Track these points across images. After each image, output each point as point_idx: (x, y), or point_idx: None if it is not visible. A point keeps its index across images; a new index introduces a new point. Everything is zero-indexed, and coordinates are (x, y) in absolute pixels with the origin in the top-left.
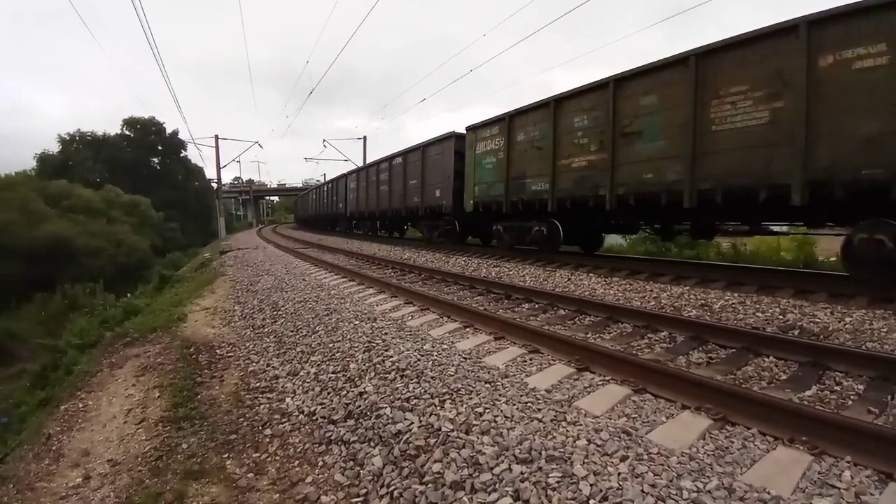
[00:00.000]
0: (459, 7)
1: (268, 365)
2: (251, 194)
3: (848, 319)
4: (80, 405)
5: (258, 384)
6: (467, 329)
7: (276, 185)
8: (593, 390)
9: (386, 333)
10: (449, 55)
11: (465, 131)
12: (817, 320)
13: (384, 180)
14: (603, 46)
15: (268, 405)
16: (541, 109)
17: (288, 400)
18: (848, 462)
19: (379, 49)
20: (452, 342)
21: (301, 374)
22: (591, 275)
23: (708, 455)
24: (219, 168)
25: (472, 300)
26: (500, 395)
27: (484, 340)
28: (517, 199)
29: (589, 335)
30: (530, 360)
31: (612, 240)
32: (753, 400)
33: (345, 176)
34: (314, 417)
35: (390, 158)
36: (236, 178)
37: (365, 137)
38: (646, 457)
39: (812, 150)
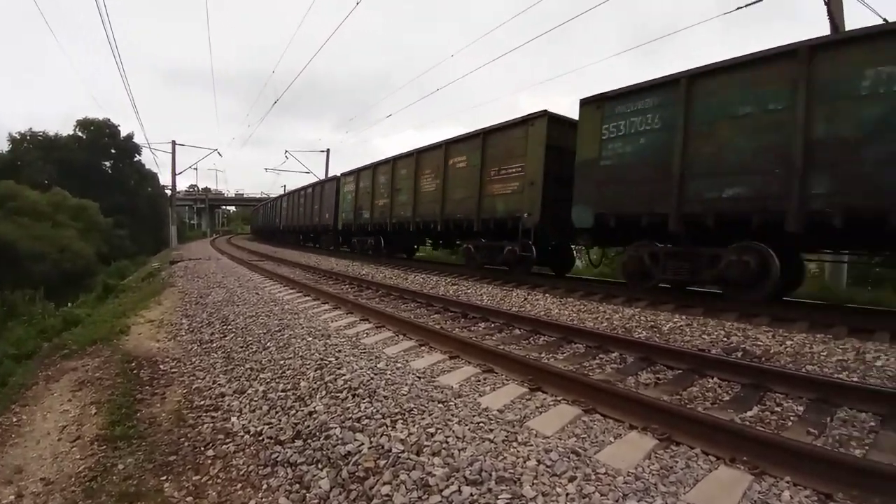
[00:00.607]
0: (429, 27)
1: (214, 382)
2: (207, 202)
3: (789, 343)
4: (14, 419)
5: (202, 402)
6: (423, 347)
7: (233, 195)
8: (545, 410)
9: (340, 351)
10: (417, 73)
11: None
12: (759, 343)
13: (302, 203)
14: (572, 71)
15: (212, 424)
16: (369, 170)
17: (233, 419)
18: (788, 482)
19: (348, 62)
20: (407, 360)
21: (249, 391)
22: (547, 295)
23: (653, 475)
24: (174, 174)
25: (429, 318)
26: (452, 415)
27: (439, 359)
28: (359, 223)
29: (542, 355)
30: (484, 379)
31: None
32: (697, 420)
33: (281, 197)
34: (260, 438)
35: (306, 188)
36: (192, 186)
37: (328, 150)
38: (594, 477)
39: (444, 204)
